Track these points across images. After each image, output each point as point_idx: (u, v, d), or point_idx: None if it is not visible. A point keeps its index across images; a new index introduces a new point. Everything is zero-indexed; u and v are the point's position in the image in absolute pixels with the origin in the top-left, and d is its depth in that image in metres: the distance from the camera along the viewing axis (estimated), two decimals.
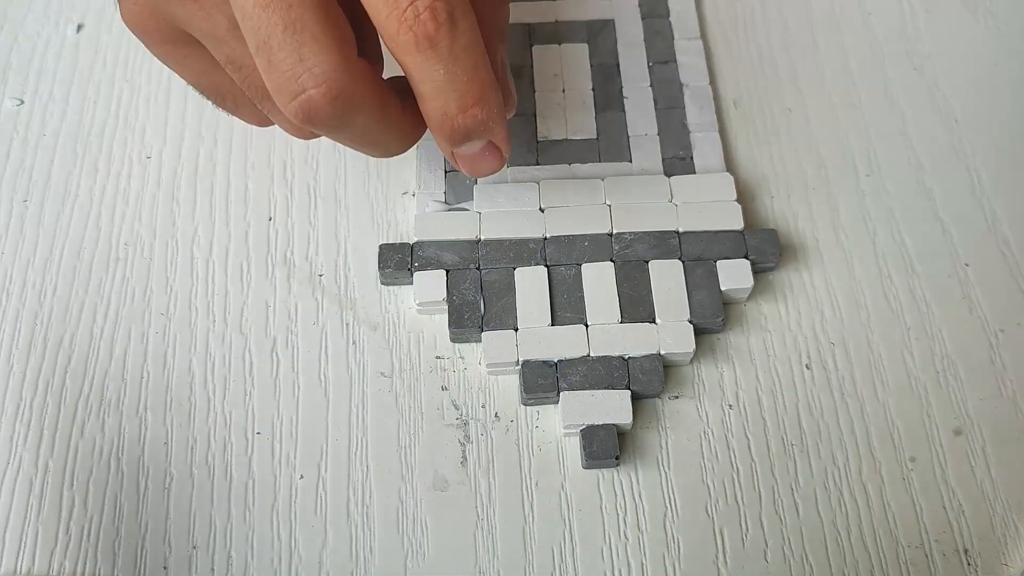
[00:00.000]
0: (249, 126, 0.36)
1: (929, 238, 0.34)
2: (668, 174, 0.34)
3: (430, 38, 0.24)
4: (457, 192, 0.34)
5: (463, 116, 0.26)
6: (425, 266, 0.32)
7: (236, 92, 0.28)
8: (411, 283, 0.33)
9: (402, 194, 0.35)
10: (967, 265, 0.34)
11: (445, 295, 0.32)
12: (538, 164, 0.35)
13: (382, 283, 0.33)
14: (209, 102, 0.29)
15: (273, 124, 0.29)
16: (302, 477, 0.30)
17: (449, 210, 0.34)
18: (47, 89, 0.37)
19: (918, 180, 0.36)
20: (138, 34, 0.27)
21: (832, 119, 0.37)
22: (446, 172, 0.35)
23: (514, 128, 0.35)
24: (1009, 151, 0.36)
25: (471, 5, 0.25)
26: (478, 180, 0.34)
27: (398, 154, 0.28)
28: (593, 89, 0.36)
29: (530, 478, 0.30)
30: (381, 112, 0.25)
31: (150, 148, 0.36)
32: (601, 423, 0.30)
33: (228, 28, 0.25)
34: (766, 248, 0.33)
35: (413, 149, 0.32)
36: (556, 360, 0.31)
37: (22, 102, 0.37)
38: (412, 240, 0.33)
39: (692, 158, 0.35)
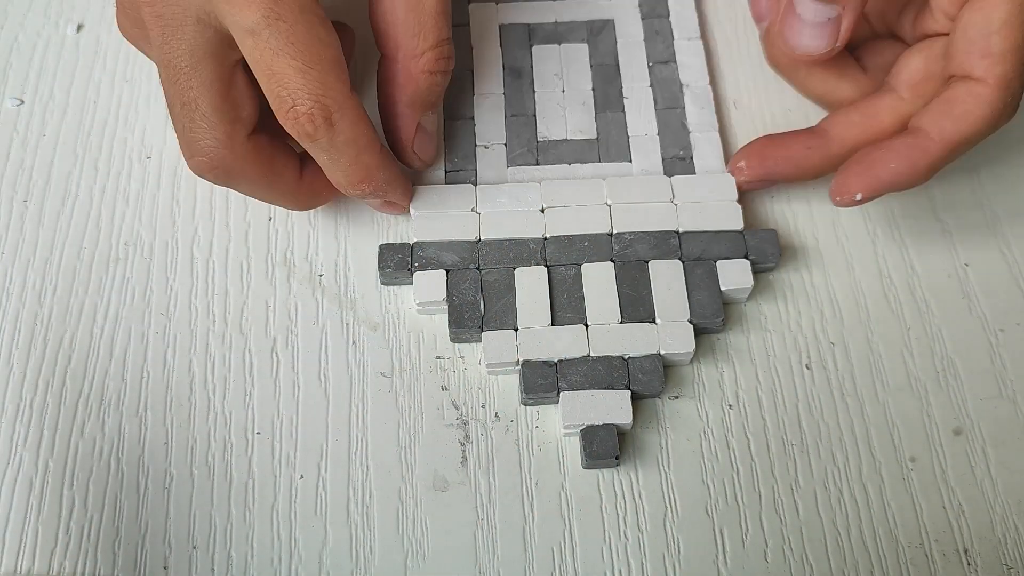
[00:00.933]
0: None
1: (929, 238, 0.34)
2: (668, 174, 0.34)
3: (310, 135, 0.28)
4: (455, 140, 0.35)
5: (352, 188, 0.30)
6: (425, 266, 0.32)
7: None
8: (411, 283, 0.33)
9: None
10: (967, 265, 0.34)
11: (445, 295, 0.32)
12: (538, 164, 0.35)
13: (382, 283, 0.33)
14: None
15: None
16: (302, 477, 0.30)
17: (447, 173, 0.34)
18: (47, 89, 0.37)
19: None
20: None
21: None
22: (445, 120, 0.35)
23: (514, 128, 0.35)
24: (1009, 151, 0.36)
25: (383, 83, 0.31)
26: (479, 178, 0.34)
27: (304, 210, 0.33)
28: (593, 89, 0.36)
29: (530, 478, 0.30)
30: (263, 181, 0.30)
31: (150, 148, 0.36)
32: (601, 423, 0.30)
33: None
34: (766, 248, 0.33)
35: None
36: (556, 360, 0.31)
37: (22, 102, 0.37)
38: (412, 240, 0.33)
39: (692, 158, 0.35)
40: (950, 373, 0.32)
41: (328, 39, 0.28)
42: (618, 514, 0.30)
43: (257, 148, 0.29)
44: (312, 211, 0.35)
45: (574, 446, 0.31)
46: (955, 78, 0.30)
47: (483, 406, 0.31)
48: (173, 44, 0.28)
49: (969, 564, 0.29)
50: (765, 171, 0.33)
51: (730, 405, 0.31)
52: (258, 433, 0.31)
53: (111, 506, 0.30)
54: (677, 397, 0.31)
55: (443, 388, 0.32)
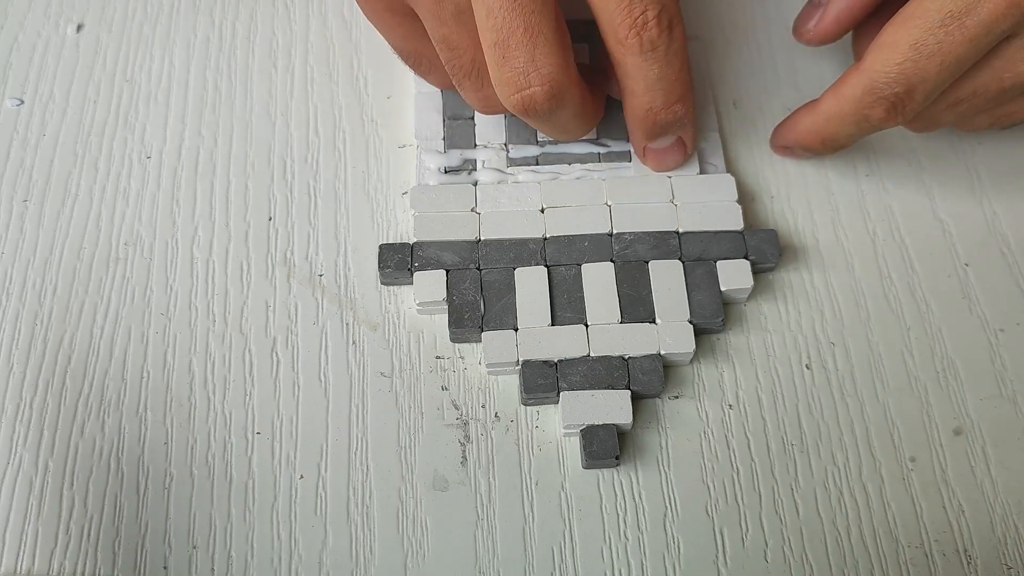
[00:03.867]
0: (248, 124, 0.36)
1: (929, 238, 0.34)
2: (668, 174, 0.34)
3: (652, 42, 0.28)
4: (455, 140, 0.35)
5: (665, 111, 0.30)
6: (425, 266, 0.32)
7: (434, 61, 0.32)
8: (411, 283, 0.33)
9: (402, 194, 0.35)
10: (967, 265, 0.34)
11: (445, 295, 0.32)
12: (538, 164, 0.35)
13: (382, 283, 0.33)
14: (402, 61, 0.34)
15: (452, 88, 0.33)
16: (302, 477, 0.30)
17: (447, 173, 0.34)
18: (47, 89, 0.37)
19: (918, 180, 0.36)
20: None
21: None
22: (444, 120, 0.35)
23: (514, 128, 0.35)
24: (1009, 151, 0.36)
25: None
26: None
27: (579, 137, 0.33)
28: None
29: (530, 478, 0.30)
30: (581, 106, 0.30)
31: (150, 148, 0.36)
32: (601, 423, 0.30)
33: (454, 14, 0.28)
34: (766, 248, 0.33)
35: (411, 100, 0.37)
36: (556, 360, 0.31)
37: (22, 102, 0.37)
38: (412, 240, 0.33)
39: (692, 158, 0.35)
40: (950, 373, 0.32)
41: None
42: (618, 514, 0.30)
43: (576, 71, 0.29)
44: (312, 211, 0.35)
45: (574, 446, 0.31)
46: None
47: (483, 406, 0.31)
48: None
49: (969, 564, 0.29)
50: (785, 143, 0.34)
51: (730, 405, 0.31)
52: (258, 433, 0.31)
53: (111, 506, 0.30)
54: (677, 397, 0.31)
55: (443, 388, 0.32)
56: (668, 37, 0.28)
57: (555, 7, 0.28)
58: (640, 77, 0.29)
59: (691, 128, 0.33)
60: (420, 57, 0.33)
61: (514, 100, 0.28)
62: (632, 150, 0.35)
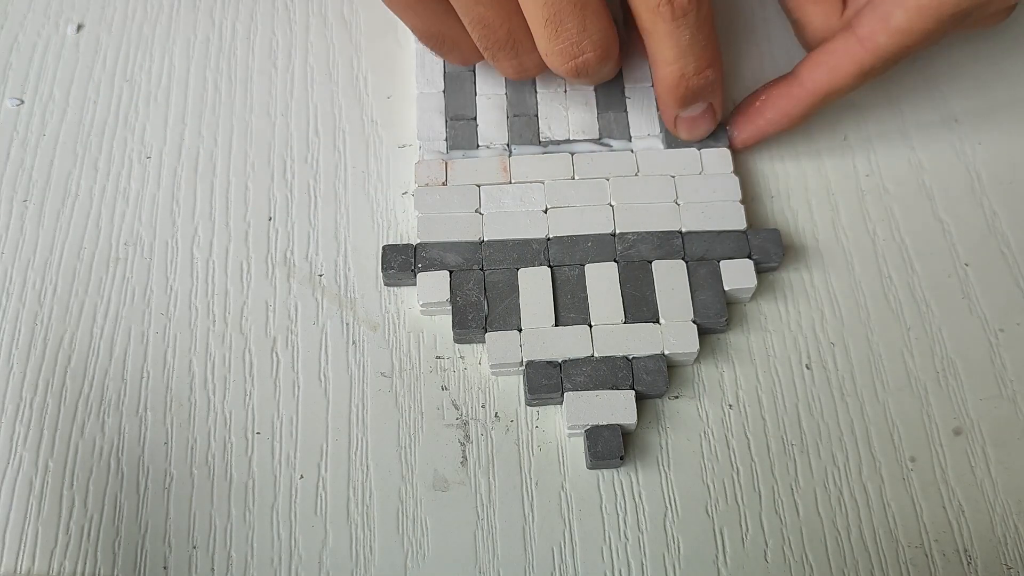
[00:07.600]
0: (248, 124, 0.36)
1: (929, 238, 0.34)
2: (671, 173, 0.34)
3: (683, 8, 0.29)
4: (457, 140, 0.35)
5: (697, 77, 0.31)
6: (428, 267, 0.32)
7: (457, 40, 0.33)
8: (414, 284, 0.33)
9: (402, 194, 0.35)
10: (967, 265, 0.34)
11: (449, 296, 0.32)
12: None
13: (385, 284, 0.33)
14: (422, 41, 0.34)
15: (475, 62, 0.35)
16: (302, 477, 0.30)
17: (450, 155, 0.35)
18: (47, 89, 0.37)
19: (918, 180, 0.36)
20: None
21: (832, 119, 0.37)
22: (447, 120, 0.35)
23: (516, 128, 0.35)
24: (1009, 151, 0.36)
25: None
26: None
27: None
28: (595, 89, 0.36)
29: (530, 478, 0.30)
30: (620, 55, 0.32)
31: (150, 148, 0.36)
32: (605, 424, 0.30)
33: None
34: (769, 248, 0.33)
35: (411, 100, 0.37)
36: (560, 360, 0.31)
37: (22, 102, 0.37)
38: (412, 240, 0.33)
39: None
40: (950, 373, 0.32)
41: None
42: (618, 514, 0.30)
43: (615, 28, 0.31)
44: (312, 211, 0.35)
45: (574, 446, 0.31)
46: (849, 25, 0.31)
47: (483, 406, 0.31)
48: None
49: (969, 564, 0.29)
50: (760, 132, 0.34)
51: (730, 405, 0.31)
52: (258, 433, 0.31)
53: (111, 506, 0.30)
54: (677, 397, 0.31)
55: (443, 388, 0.32)
56: (698, 3, 0.29)
57: None
58: (672, 43, 0.30)
59: (720, 95, 0.33)
60: (443, 37, 0.33)
61: (568, 67, 0.30)
62: (663, 124, 0.35)
